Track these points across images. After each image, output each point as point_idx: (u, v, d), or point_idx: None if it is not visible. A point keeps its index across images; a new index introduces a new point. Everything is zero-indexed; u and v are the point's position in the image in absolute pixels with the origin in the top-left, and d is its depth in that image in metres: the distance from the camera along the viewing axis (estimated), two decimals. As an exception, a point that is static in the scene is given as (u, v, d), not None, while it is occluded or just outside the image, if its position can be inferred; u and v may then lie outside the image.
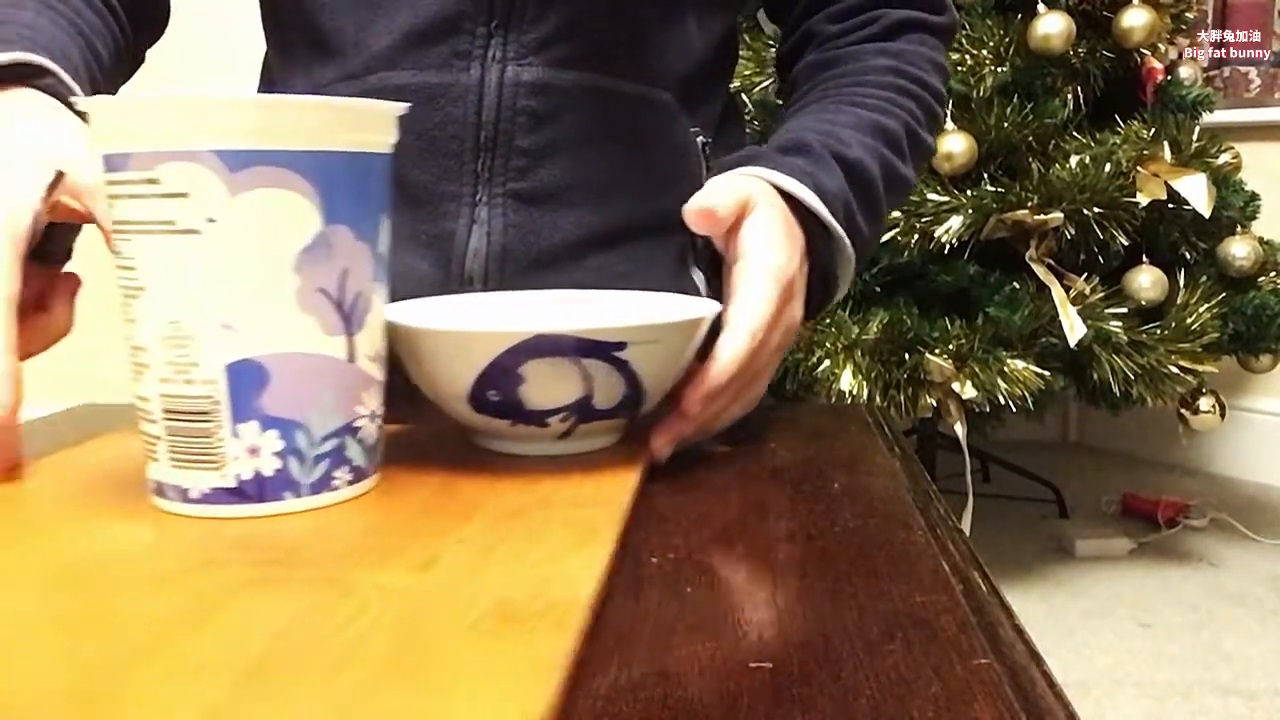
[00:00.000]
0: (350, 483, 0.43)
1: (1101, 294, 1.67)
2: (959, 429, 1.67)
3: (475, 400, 0.46)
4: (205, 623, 0.30)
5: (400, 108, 0.44)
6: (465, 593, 0.32)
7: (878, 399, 1.63)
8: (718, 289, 0.73)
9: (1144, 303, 1.70)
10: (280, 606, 0.31)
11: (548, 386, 0.45)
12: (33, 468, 0.48)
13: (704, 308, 0.50)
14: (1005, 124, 1.69)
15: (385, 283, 0.44)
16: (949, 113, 1.70)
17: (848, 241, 0.62)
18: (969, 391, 1.59)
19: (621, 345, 0.45)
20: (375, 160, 0.43)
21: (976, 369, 1.60)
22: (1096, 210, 1.64)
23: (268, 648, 0.28)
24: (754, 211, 0.56)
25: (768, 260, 0.54)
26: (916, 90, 0.72)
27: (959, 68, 1.72)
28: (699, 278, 0.73)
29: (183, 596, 0.32)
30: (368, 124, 0.42)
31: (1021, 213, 1.63)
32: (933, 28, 0.76)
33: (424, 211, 0.67)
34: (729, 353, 0.50)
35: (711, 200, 0.54)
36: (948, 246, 1.65)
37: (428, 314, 0.55)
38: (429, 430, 0.53)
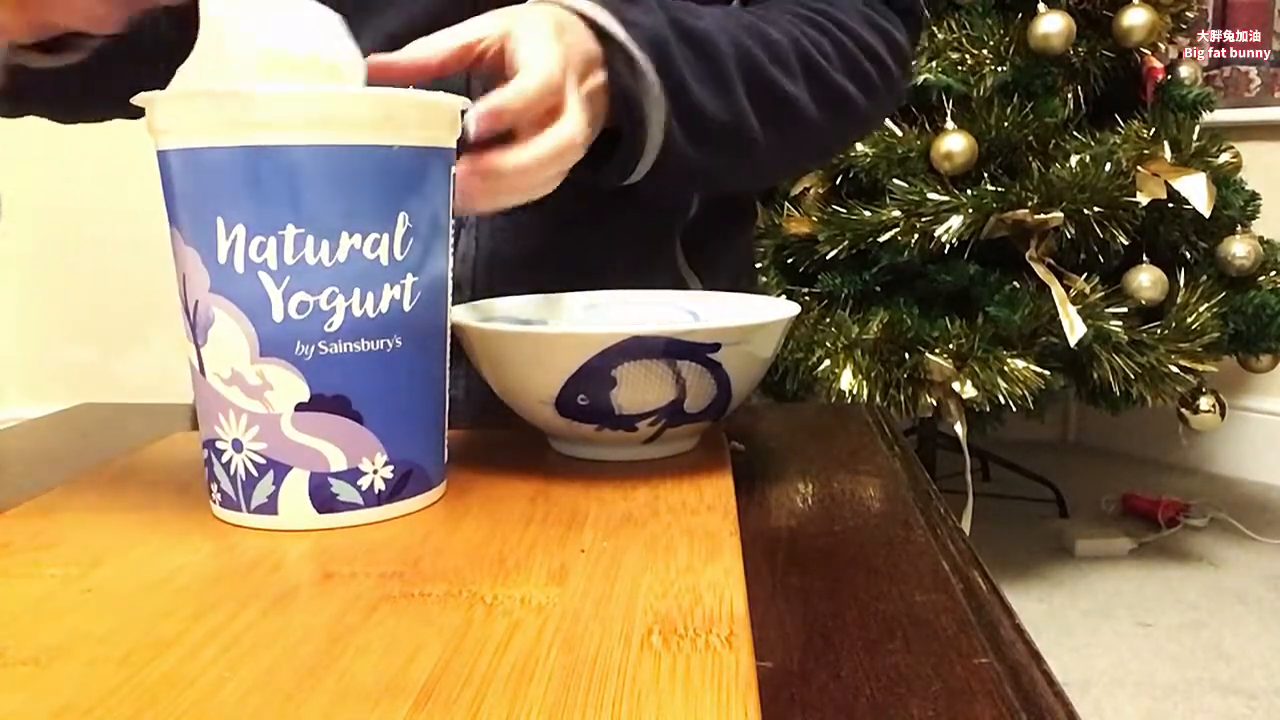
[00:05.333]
0: (219, 503, 0.42)
1: (1101, 293, 1.67)
2: (959, 428, 1.67)
3: (562, 405, 0.45)
4: (354, 641, 0.30)
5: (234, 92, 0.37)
6: (615, 606, 0.32)
7: (878, 398, 1.63)
8: (713, 288, 0.74)
9: (1144, 302, 1.70)
10: (427, 623, 0.31)
11: (639, 390, 0.44)
12: (103, 476, 0.48)
13: (787, 308, 0.50)
14: (1005, 123, 1.69)
15: (253, 298, 0.38)
16: (949, 112, 1.70)
17: (654, 79, 0.56)
18: (969, 391, 1.59)
19: (716, 346, 0.44)
20: (209, 156, 0.38)
21: (976, 368, 1.60)
22: (1096, 210, 1.64)
23: (437, 667, 0.28)
24: (518, 24, 0.52)
25: (539, 35, 0.51)
26: (833, 30, 0.67)
27: (959, 67, 1.72)
28: (692, 278, 0.73)
29: (317, 613, 0.32)
30: (179, 118, 0.39)
31: (1021, 212, 1.63)
32: None
33: None
34: (522, 78, 0.49)
35: (444, 38, 0.52)
36: (948, 246, 1.65)
37: (491, 317, 0.54)
38: (499, 436, 0.53)
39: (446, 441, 0.44)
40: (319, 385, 0.39)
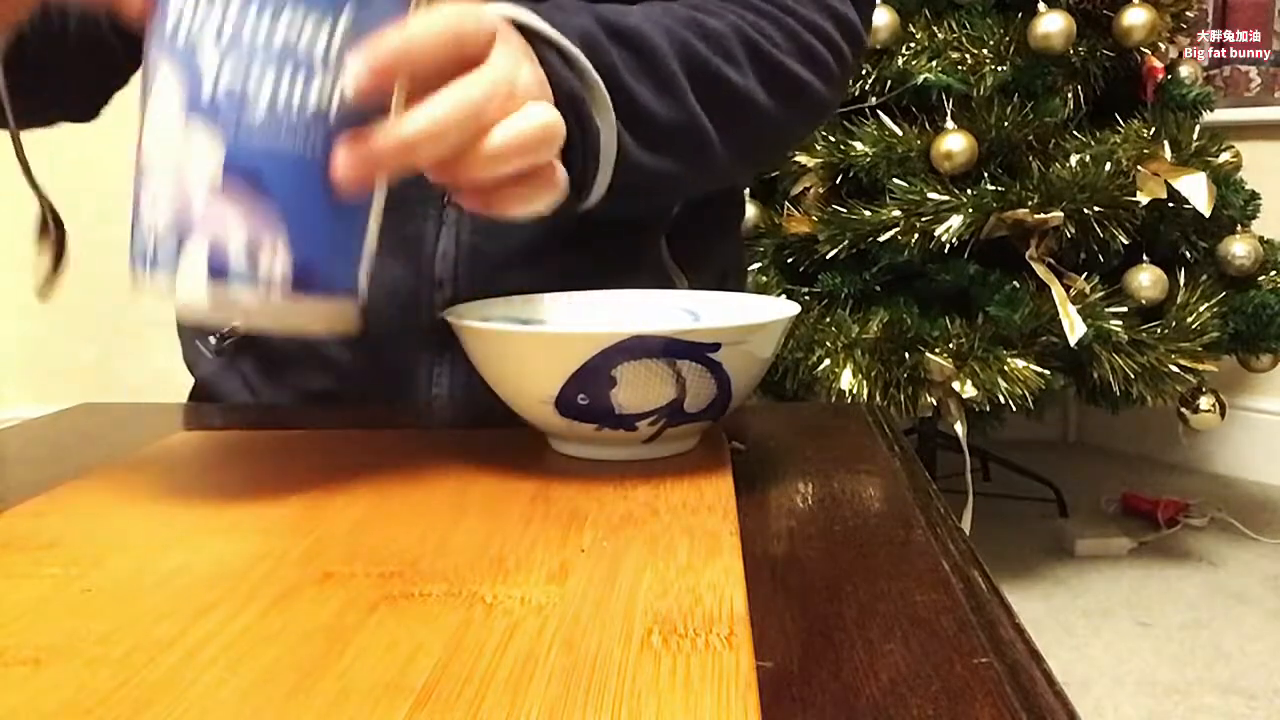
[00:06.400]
0: (130, 260, 0.42)
1: (1101, 293, 1.67)
2: (959, 428, 1.67)
3: (562, 404, 0.45)
4: (354, 641, 0.30)
5: None
6: (615, 606, 0.32)
7: (878, 398, 1.63)
8: (700, 286, 0.73)
9: (1144, 302, 1.70)
10: (426, 623, 0.31)
11: (639, 389, 0.44)
12: (103, 476, 0.48)
13: (787, 308, 0.50)
14: (1005, 123, 1.69)
15: (190, 66, 0.39)
16: (949, 111, 1.70)
17: (596, 76, 0.51)
18: (969, 390, 1.59)
19: (716, 346, 0.44)
20: None
21: (976, 368, 1.60)
22: (1096, 209, 1.64)
23: (437, 667, 0.28)
24: None
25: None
26: (778, 14, 0.63)
27: (959, 67, 1.72)
28: (679, 275, 0.73)
29: (317, 613, 0.32)
30: None
31: (1022, 212, 1.63)
32: None
33: (392, 214, 0.66)
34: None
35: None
36: (948, 246, 1.65)
37: (491, 317, 0.54)
38: (499, 436, 0.53)
39: (365, 268, 0.43)
40: (236, 159, 0.39)
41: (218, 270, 0.40)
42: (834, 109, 0.72)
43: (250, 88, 0.39)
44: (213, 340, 0.72)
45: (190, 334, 0.74)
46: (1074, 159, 1.69)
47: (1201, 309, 1.71)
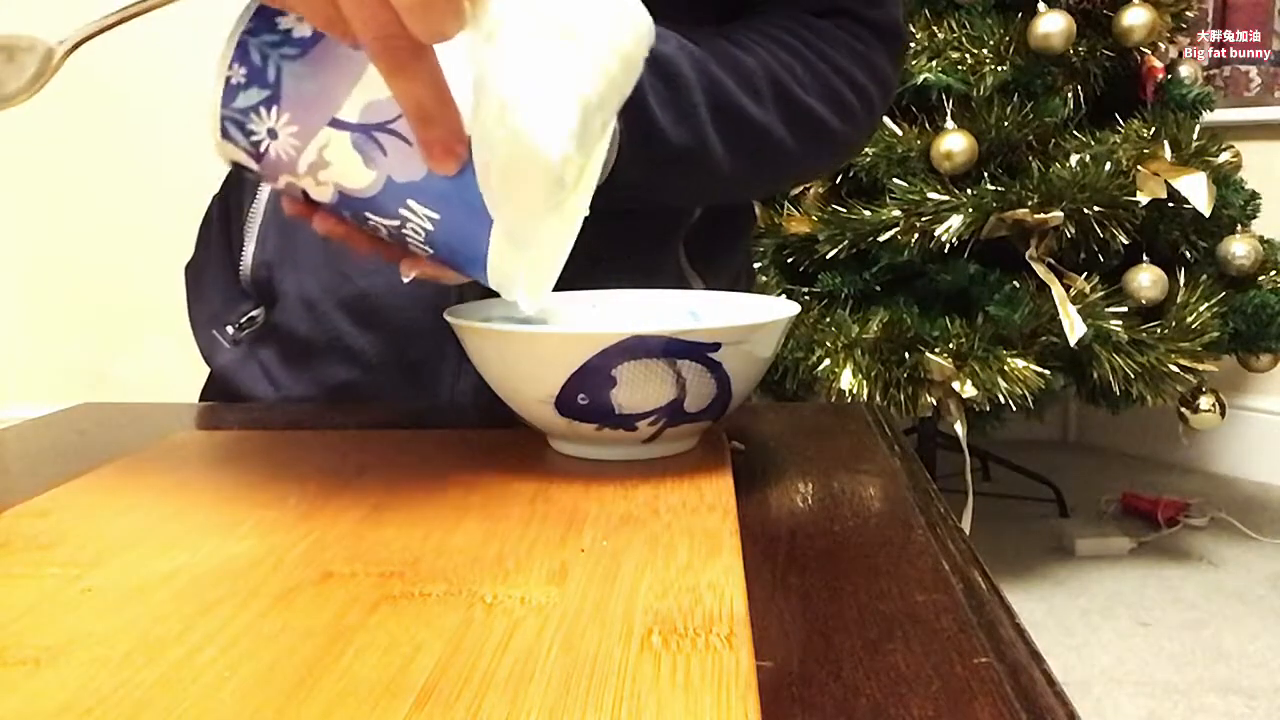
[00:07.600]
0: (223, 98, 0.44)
1: (1101, 293, 1.67)
2: (959, 428, 1.67)
3: (562, 404, 0.45)
4: (354, 641, 0.30)
5: None
6: (615, 606, 0.32)
7: (878, 398, 1.63)
8: (715, 289, 0.74)
9: (1144, 302, 1.70)
10: (427, 623, 0.31)
11: (639, 389, 0.44)
12: (103, 476, 0.48)
13: (787, 308, 0.50)
14: (1005, 123, 1.69)
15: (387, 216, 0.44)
16: (949, 111, 1.70)
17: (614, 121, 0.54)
18: (969, 390, 1.59)
19: (716, 346, 0.44)
20: None
21: (976, 368, 1.60)
22: (1096, 209, 1.64)
23: (437, 667, 0.28)
24: None
25: None
26: (808, 55, 0.66)
27: (959, 67, 1.72)
28: (695, 279, 0.73)
29: (317, 613, 0.32)
30: None
31: (1021, 211, 1.63)
32: (865, 20, 0.71)
33: None
34: None
35: None
36: (948, 245, 1.65)
37: (491, 316, 0.54)
38: (499, 436, 0.53)
39: None
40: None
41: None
42: (858, 148, 0.75)
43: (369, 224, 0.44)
44: (230, 330, 0.71)
45: (207, 323, 0.74)
46: (1074, 159, 1.69)
47: (1201, 309, 1.71)
